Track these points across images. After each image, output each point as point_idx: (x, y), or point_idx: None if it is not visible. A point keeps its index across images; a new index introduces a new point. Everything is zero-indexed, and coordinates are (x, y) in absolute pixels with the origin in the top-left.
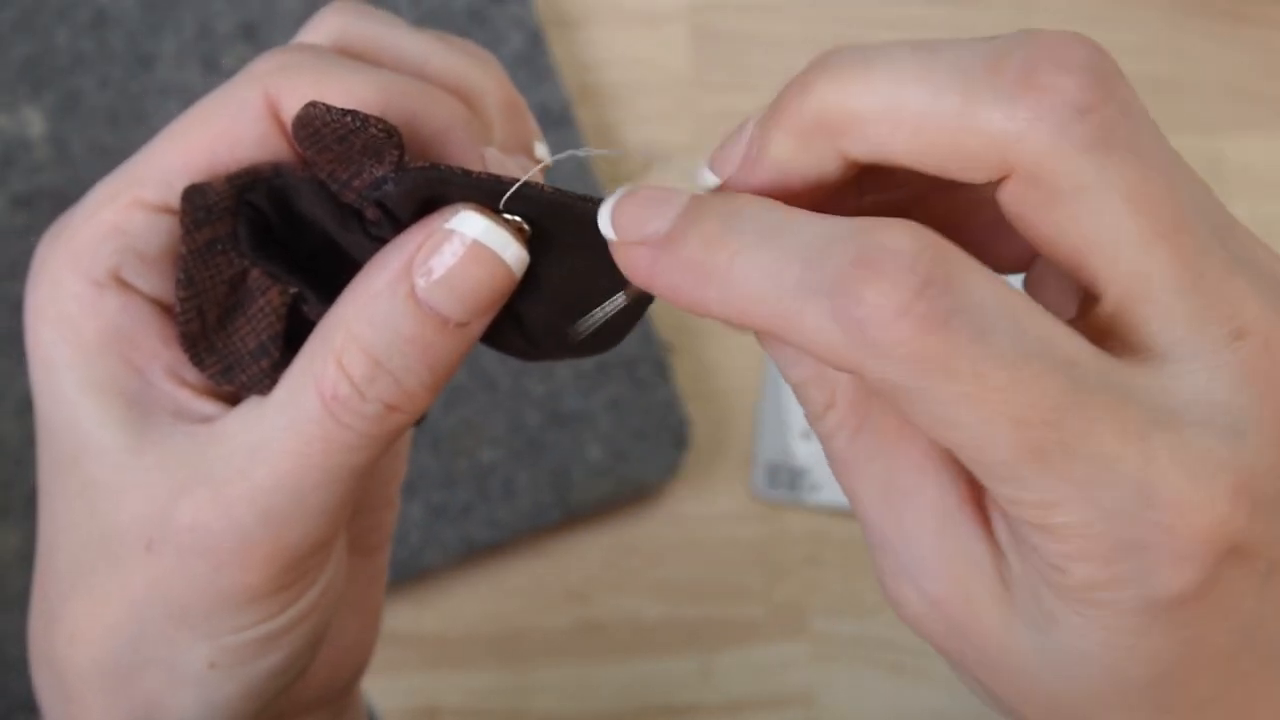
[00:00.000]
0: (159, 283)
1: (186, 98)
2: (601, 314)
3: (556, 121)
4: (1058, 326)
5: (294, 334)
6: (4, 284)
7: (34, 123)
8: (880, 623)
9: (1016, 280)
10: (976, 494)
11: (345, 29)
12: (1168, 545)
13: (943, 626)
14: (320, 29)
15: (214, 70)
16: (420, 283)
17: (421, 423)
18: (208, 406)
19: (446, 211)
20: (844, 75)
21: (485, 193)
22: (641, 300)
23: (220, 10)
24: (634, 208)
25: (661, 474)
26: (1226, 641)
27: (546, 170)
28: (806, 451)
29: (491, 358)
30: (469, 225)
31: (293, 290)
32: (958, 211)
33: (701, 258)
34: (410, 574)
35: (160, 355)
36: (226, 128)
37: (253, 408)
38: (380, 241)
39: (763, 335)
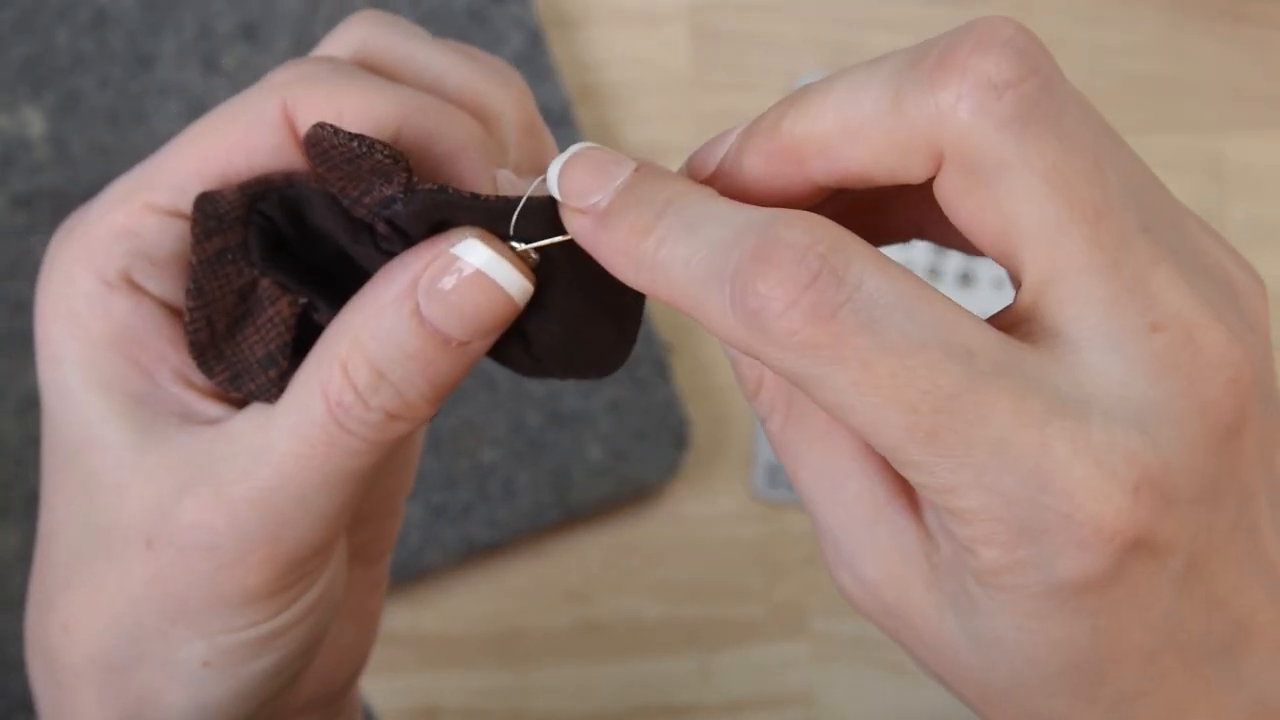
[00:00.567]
0: (169, 286)
1: (186, 98)
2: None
3: (556, 121)
4: (959, 316)
5: (303, 341)
6: (4, 284)
7: (34, 123)
8: None
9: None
10: (906, 483)
11: (367, 40)
12: (1066, 532)
13: (880, 610)
14: (343, 39)
15: (214, 70)
16: (424, 302)
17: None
18: (214, 409)
19: (454, 235)
20: (806, 104)
21: (492, 215)
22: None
23: (220, 10)
24: (580, 174)
25: (661, 474)
26: (1144, 637)
27: None
28: None
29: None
30: (472, 254)
31: (302, 301)
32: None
33: (631, 245)
34: (410, 574)
35: (168, 357)
36: (242, 136)
37: (259, 410)
38: (390, 256)
39: None
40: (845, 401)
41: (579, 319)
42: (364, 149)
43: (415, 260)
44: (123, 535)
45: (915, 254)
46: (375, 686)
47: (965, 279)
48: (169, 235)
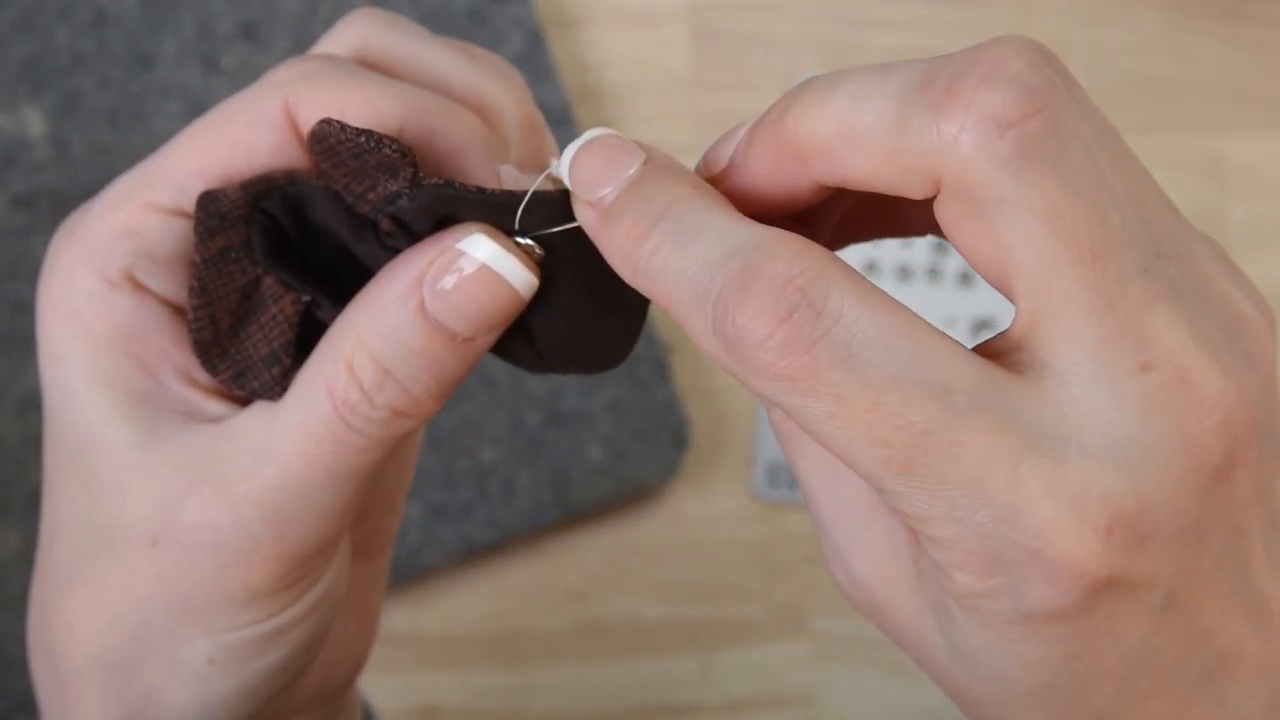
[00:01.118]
0: (171, 284)
1: (186, 98)
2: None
3: (556, 121)
4: (940, 349)
5: (307, 339)
6: (4, 284)
7: (34, 123)
8: None
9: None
10: None
11: (368, 39)
12: (1036, 567)
13: (868, 606)
14: (343, 37)
15: (214, 70)
16: (428, 297)
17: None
18: (217, 407)
19: (459, 230)
20: (812, 101)
21: (498, 209)
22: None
23: (220, 10)
24: (591, 163)
25: (661, 474)
26: (1119, 663)
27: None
28: None
29: (492, 357)
30: (478, 249)
31: (305, 299)
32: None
33: (628, 250)
34: (410, 574)
35: (171, 356)
36: (243, 135)
37: (263, 408)
38: (394, 252)
39: None
40: (823, 430)
41: (583, 314)
42: (372, 144)
43: (420, 257)
44: (126, 534)
45: (916, 254)
46: (375, 686)
47: (965, 279)
48: (171, 234)
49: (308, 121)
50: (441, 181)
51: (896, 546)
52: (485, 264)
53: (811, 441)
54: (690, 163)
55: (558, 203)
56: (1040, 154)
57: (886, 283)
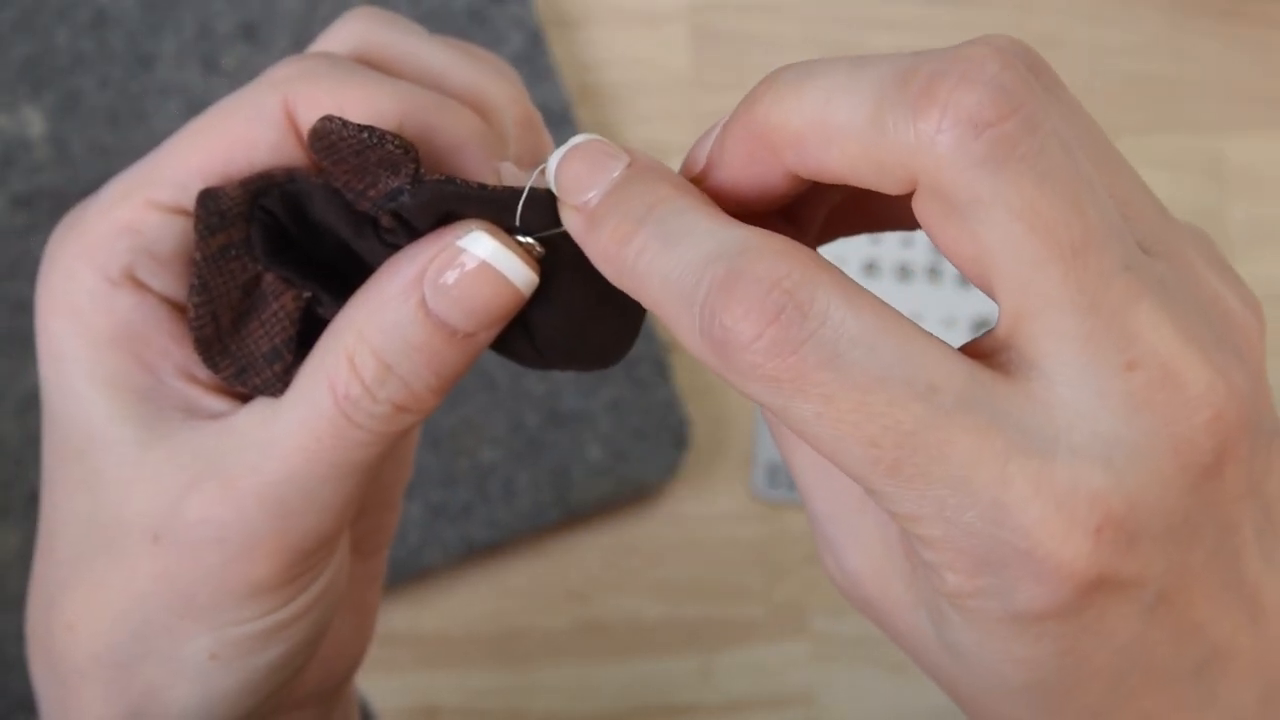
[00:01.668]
0: (172, 282)
1: (186, 98)
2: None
3: (556, 121)
4: (927, 349)
5: (308, 336)
6: (4, 284)
7: (34, 123)
8: None
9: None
10: None
11: (366, 37)
12: (1025, 568)
13: (861, 600)
14: (340, 35)
15: (214, 70)
16: (429, 294)
17: None
18: (218, 403)
19: (459, 227)
20: (783, 92)
21: (499, 206)
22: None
23: (220, 10)
24: (576, 168)
25: (661, 474)
26: (1110, 660)
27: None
28: None
29: (492, 357)
30: (479, 246)
31: (306, 295)
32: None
33: (613, 252)
34: (410, 574)
35: (171, 353)
36: (243, 132)
37: (265, 404)
38: (394, 249)
39: None
40: (810, 431)
41: (583, 311)
42: (374, 140)
43: (420, 253)
44: (128, 532)
45: (916, 253)
46: (375, 686)
47: (965, 279)
48: (171, 232)
49: (307, 119)
50: (443, 178)
51: (889, 540)
52: (486, 261)
53: None
54: None
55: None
56: (1016, 154)
57: (886, 283)
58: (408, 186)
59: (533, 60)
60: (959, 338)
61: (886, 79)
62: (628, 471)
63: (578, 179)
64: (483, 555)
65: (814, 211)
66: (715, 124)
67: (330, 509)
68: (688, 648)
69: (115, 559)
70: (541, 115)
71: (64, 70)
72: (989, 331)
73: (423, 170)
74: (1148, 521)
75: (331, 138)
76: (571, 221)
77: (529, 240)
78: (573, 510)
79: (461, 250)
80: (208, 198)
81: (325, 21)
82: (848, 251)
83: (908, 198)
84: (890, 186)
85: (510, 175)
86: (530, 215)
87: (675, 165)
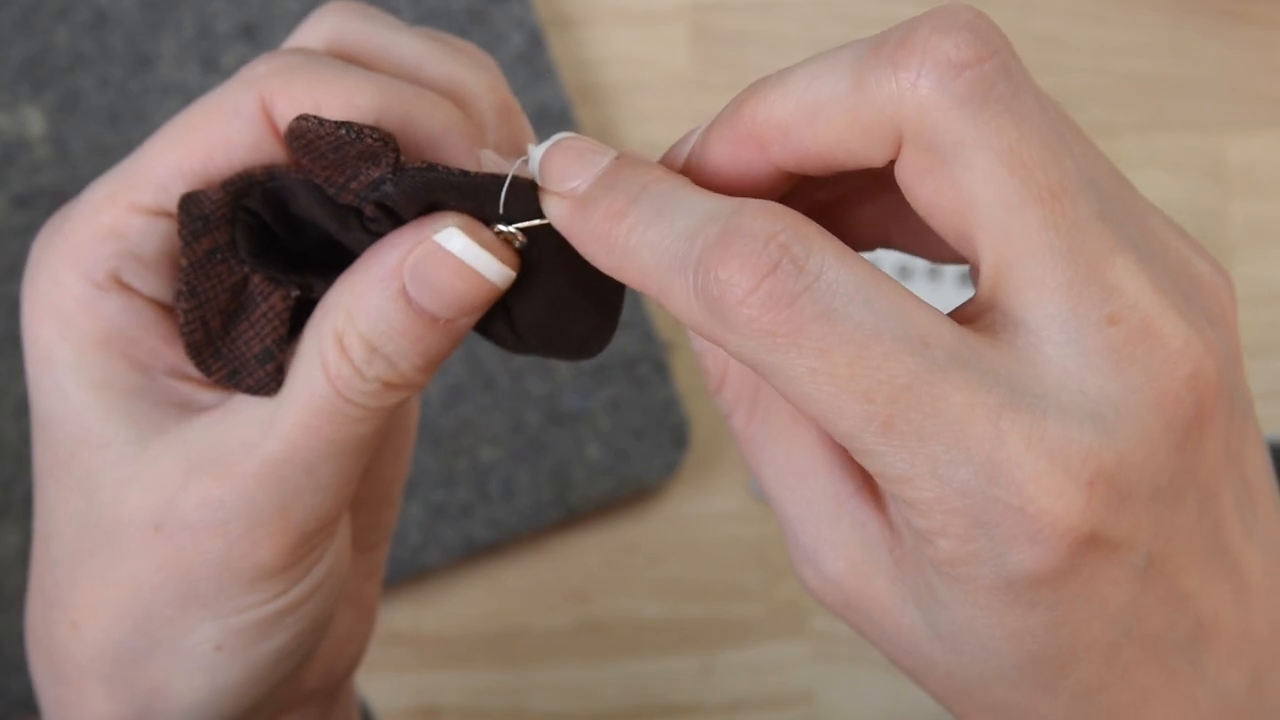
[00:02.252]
0: (158, 284)
1: (186, 98)
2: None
3: (556, 121)
4: (917, 307)
5: (299, 334)
6: (4, 284)
7: (34, 123)
8: None
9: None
10: (869, 477)
11: (340, 30)
12: (1018, 526)
13: (842, 604)
14: (315, 30)
15: (214, 70)
16: (409, 284)
17: None
18: (212, 398)
19: (437, 219)
20: (767, 90)
21: (481, 192)
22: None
23: (220, 10)
24: (561, 159)
25: (661, 474)
26: (1105, 630)
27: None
28: None
29: (491, 357)
30: (452, 242)
31: (295, 293)
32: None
33: (605, 230)
34: (410, 573)
35: (161, 354)
36: (221, 131)
37: None
38: (379, 237)
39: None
40: (803, 390)
41: (562, 300)
42: (352, 135)
43: (401, 242)
44: (128, 526)
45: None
46: (375, 685)
47: (965, 279)
48: (155, 234)
49: (284, 115)
50: (425, 165)
51: (869, 537)
52: (458, 257)
53: (775, 443)
54: None
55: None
56: (996, 94)
57: None
58: (390, 176)
59: (532, 60)
60: None
61: (863, 48)
62: (628, 471)
63: (564, 168)
64: (483, 555)
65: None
66: (693, 129)
67: (330, 487)
68: (688, 648)
69: (116, 554)
70: (541, 115)
71: (64, 70)
72: (971, 298)
73: (403, 159)
74: (1137, 479)
75: (309, 136)
76: (555, 208)
77: (511, 230)
78: (573, 510)
79: (437, 246)
80: (189, 202)
81: None
82: None
83: (878, 204)
84: (877, 153)
85: (490, 162)
86: (512, 203)
87: None
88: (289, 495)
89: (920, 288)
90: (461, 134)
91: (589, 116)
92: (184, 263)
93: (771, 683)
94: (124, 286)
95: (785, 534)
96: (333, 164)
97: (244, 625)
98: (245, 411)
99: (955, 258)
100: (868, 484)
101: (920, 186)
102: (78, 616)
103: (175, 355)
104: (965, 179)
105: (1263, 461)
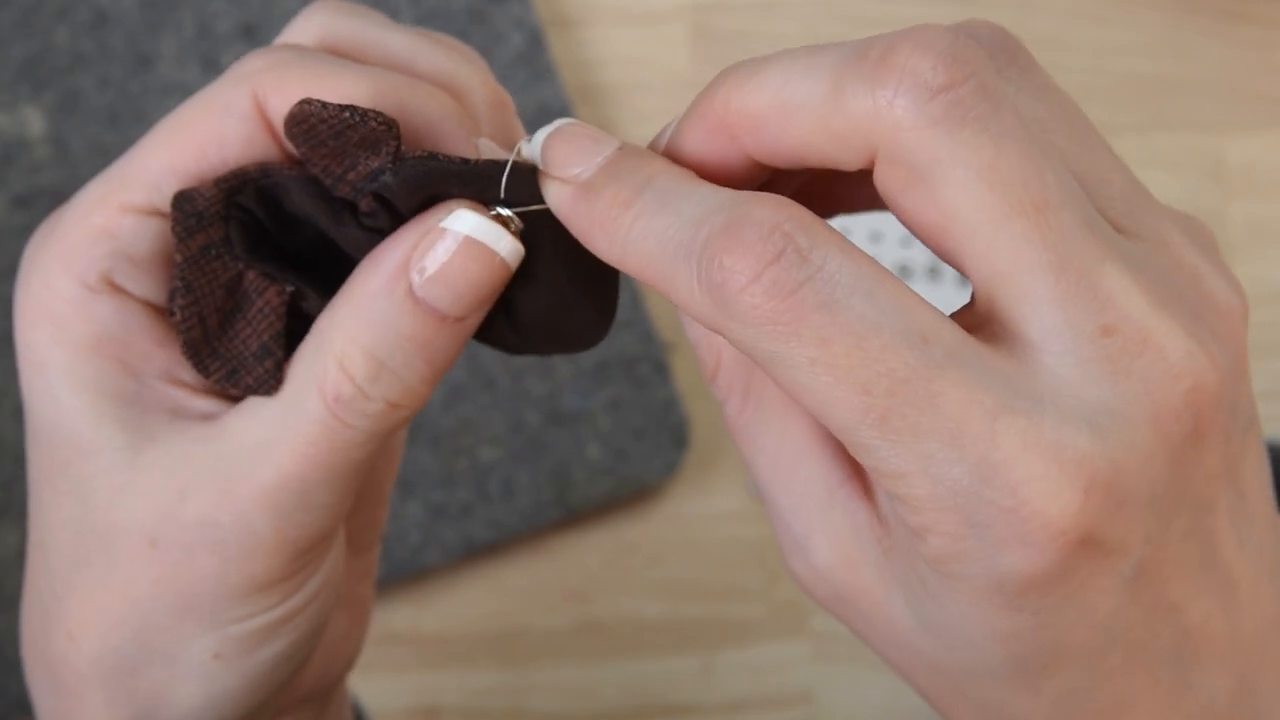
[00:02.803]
0: (150, 285)
1: (186, 98)
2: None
3: None
4: (919, 305)
5: (295, 331)
6: (4, 284)
7: (34, 123)
8: None
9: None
10: (860, 467)
11: (330, 27)
12: (1010, 527)
13: (831, 595)
14: (306, 28)
15: (214, 70)
16: (416, 280)
17: None
18: (206, 404)
19: (440, 210)
20: (741, 79)
21: (483, 180)
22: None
23: (220, 10)
24: (565, 145)
25: (661, 474)
26: (1090, 636)
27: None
28: None
29: (491, 357)
30: (462, 222)
31: (290, 289)
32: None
33: (609, 217)
34: (410, 574)
35: (154, 357)
36: (214, 129)
37: (255, 407)
38: (374, 232)
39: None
40: (801, 380)
41: (561, 289)
42: (356, 118)
43: (402, 243)
44: (123, 537)
45: (915, 253)
46: (375, 686)
47: (965, 279)
48: (147, 234)
49: (277, 110)
50: (425, 154)
51: (859, 526)
52: (470, 235)
53: (766, 431)
54: None
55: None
56: (972, 116)
57: None
58: (389, 165)
59: (533, 60)
60: None
61: (844, 56)
62: (628, 471)
63: (567, 155)
64: (483, 555)
65: None
66: (665, 126)
67: (326, 509)
68: (688, 648)
69: (112, 565)
70: (541, 115)
71: (64, 70)
72: (966, 307)
73: (404, 148)
74: (1132, 488)
75: (311, 120)
76: (556, 194)
77: (508, 214)
78: (573, 510)
79: (445, 230)
80: (183, 199)
81: None
82: None
83: (865, 178)
84: (849, 160)
85: (490, 150)
86: (515, 188)
87: None
88: (285, 517)
89: (920, 287)
90: (458, 122)
91: (589, 116)
92: (179, 258)
93: (771, 683)
94: (116, 288)
95: (776, 524)
96: (332, 152)
97: (242, 634)
98: (242, 433)
99: None
100: (857, 474)
101: (902, 199)
102: (73, 626)
103: (167, 359)
104: (945, 196)
105: (1262, 475)
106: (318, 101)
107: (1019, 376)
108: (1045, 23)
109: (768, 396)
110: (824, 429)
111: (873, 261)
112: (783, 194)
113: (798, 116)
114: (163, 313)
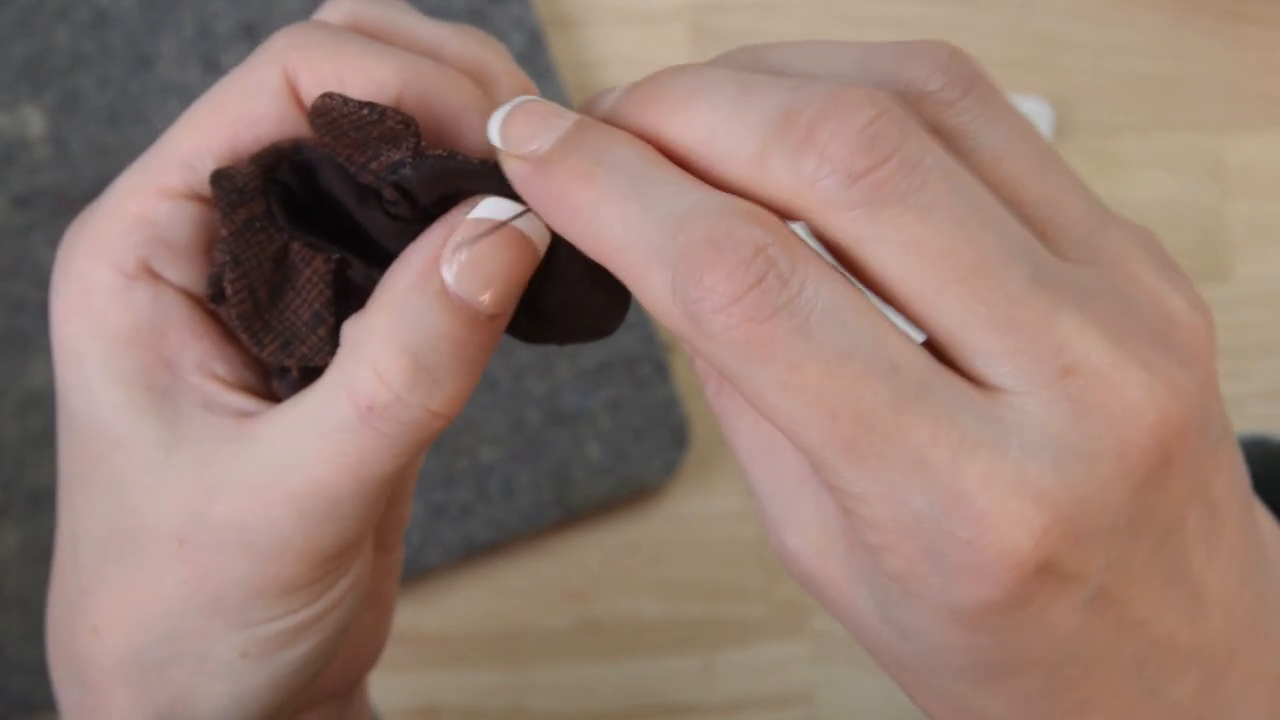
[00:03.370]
0: (188, 272)
1: (186, 97)
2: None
3: None
4: (891, 334)
5: (343, 297)
6: (4, 284)
7: (34, 123)
8: None
9: None
10: None
11: (359, 13)
12: (966, 559)
13: (804, 576)
14: (333, 12)
15: (214, 70)
16: (449, 275)
17: None
18: (239, 400)
19: (466, 204)
20: (672, 106)
21: (501, 180)
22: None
23: (220, 10)
24: (522, 121)
25: (661, 473)
26: (1049, 652)
27: None
28: None
29: (492, 357)
30: (490, 209)
31: (335, 257)
32: None
33: (568, 191)
34: (410, 573)
35: (190, 347)
36: (246, 107)
37: (285, 412)
38: (398, 220)
39: None
40: (770, 400)
41: (579, 278)
42: (375, 116)
43: (432, 238)
44: (152, 535)
45: None
46: (375, 685)
47: None
48: (184, 219)
49: (308, 88)
50: (445, 153)
51: (827, 519)
52: (503, 222)
53: (748, 414)
54: None
55: None
56: (894, 196)
57: None
58: (409, 160)
59: (533, 60)
60: None
61: (771, 118)
62: (628, 471)
63: (522, 131)
64: (483, 555)
65: None
66: (606, 90)
67: (357, 517)
68: (688, 648)
69: (140, 562)
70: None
71: (64, 70)
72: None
73: (424, 144)
74: (1094, 521)
75: (332, 114)
76: (516, 169)
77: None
78: (573, 510)
79: (476, 221)
80: (222, 177)
81: None
82: None
83: None
84: (777, 210)
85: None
86: None
87: None
88: (315, 524)
89: None
90: (481, 112)
91: None
92: (224, 233)
93: (771, 683)
94: (154, 276)
95: (755, 502)
96: (355, 143)
97: (269, 635)
98: (273, 439)
99: None
100: None
101: (840, 254)
102: (99, 622)
103: (203, 351)
104: (877, 266)
105: (1235, 488)
106: (339, 96)
107: (987, 408)
108: (1045, 23)
109: None
110: None
111: (849, 285)
112: None
113: (724, 165)
114: (200, 302)
